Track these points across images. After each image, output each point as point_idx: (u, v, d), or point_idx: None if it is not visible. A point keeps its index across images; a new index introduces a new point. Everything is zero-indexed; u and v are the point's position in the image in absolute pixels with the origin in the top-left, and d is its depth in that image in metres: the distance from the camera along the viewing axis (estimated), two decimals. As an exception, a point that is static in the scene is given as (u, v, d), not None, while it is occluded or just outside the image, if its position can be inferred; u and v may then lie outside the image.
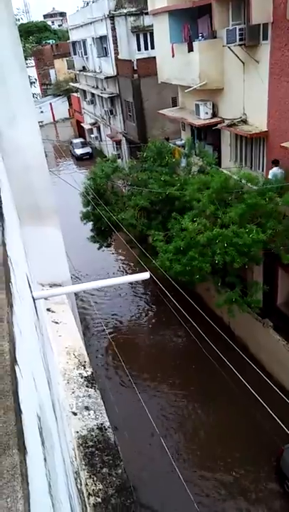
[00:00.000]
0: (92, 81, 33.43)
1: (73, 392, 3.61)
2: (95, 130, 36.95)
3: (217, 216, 11.21)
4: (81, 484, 2.54)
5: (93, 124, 36.98)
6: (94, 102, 34.79)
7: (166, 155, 14.59)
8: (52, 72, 55.95)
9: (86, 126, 39.01)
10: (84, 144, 38.45)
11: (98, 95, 31.47)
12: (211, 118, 15.37)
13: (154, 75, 18.88)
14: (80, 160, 36.79)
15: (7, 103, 4.41)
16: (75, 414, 3.32)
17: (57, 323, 4.78)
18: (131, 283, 18.20)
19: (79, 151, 37.35)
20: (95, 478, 2.59)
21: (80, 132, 43.40)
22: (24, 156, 4.65)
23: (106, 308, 17.09)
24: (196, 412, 12.43)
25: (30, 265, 4.65)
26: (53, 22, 73.98)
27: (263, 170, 13.33)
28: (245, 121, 13.72)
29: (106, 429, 3.10)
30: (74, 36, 35.14)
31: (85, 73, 33.93)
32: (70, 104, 50.23)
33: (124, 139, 28.02)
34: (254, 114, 13.22)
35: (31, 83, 42.58)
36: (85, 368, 4.03)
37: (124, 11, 23.28)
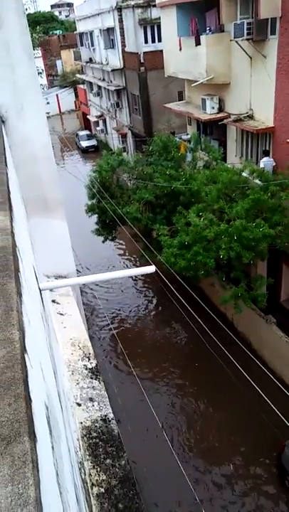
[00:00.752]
0: (98, 73, 33.25)
1: (78, 384, 3.63)
2: (100, 123, 36.80)
3: (223, 211, 11.17)
4: (85, 474, 2.56)
5: (99, 117, 36.83)
6: (100, 95, 34.62)
7: (172, 149, 14.52)
8: (59, 63, 55.65)
9: (92, 118, 38.86)
10: (90, 137, 38.32)
11: (105, 88, 31.31)
12: (217, 113, 15.26)
13: (161, 68, 18.74)
14: (85, 152, 36.70)
15: (15, 93, 4.38)
16: (79, 405, 3.34)
17: (62, 314, 4.80)
18: (135, 277, 18.23)
19: (85, 144, 37.24)
20: (98, 469, 2.61)
21: (86, 124, 43.24)
22: (32, 147, 4.63)
23: (110, 301, 17.13)
24: (197, 406, 12.48)
25: (37, 257, 4.66)
26: (60, 12, 73.40)
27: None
28: (251, 117, 13.61)
29: (110, 421, 3.12)
30: (81, 27, 34.90)
31: (91, 65, 33.74)
32: (77, 96, 50.00)
33: (130, 132, 27.90)
34: (261, 109, 13.11)
35: (38, 74, 42.36)
36: (89, 359, 4.05)
37: (132, 2, 23.04)
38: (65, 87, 52.39)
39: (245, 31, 11.88)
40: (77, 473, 2.48)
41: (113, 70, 27.56)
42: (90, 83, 36.94)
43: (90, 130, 40.75)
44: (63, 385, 3.40)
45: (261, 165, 12.57)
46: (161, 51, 18.59)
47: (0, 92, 4.24)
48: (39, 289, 3.19)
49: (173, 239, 11.50)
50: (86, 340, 4.35)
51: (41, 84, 44.43)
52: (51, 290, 5.07)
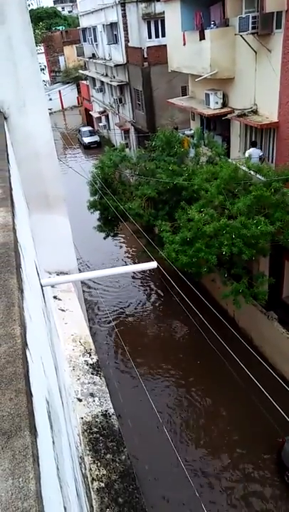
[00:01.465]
0: (101, 68, 33.11)
1: (79, 379, 3.66)
2: (103, 118, 36.70)
3: (225, 207, 11.15)
4: (85, 469, 2.59)
5: (102, 113, 36.72)
6: (103, 90, 34.50)
7: (175, 145, 14.47)
8: (61, 59, 55.44)
9: (94, 114, 38.75)
10: (92, 133, 38.24)
11: (107, 83, 31.19)
12: (221, 108, 15.18)
13: (165, 63, 18.64)
14: (87, 148, 36.64)
15: (17, 89, 4.38)
16: (80, 400, 3.36)
17: (63, 310, 4.82)
18: (137, 273, 18.25)
19: (87, 140, 37.16)
20: (98, 464, 2.63)
21: (89, 120, 43.13)
22: (34, 143, 4.63)
23: (112, 297, 17.16)
24: (198, 401, 12.53)
25: (39, 253, 4.67)
26: (63, 8, 72.96)
27: (272, 161, 13.19)
28: (255, 112, 13.54)
29: (110, 416, 3.14)
30: (84, 23, 34.72)
31: (94, 60, 33.59)
32: (79, 92, 49.85)
33: (132, 127, 27.81)
34: (265, 104, 13.04)
35: (41, 70, 42.21)
36: (90, 355, 4.07)
37: (136, -3, 22.91)
38: (68, 83, 52.23)
39: (251, 25, 11.79)
40: (77, 468, 2.50)
41: (116, 66, 27.44)
42: (93, 79, 36.80)
43: (93, 126, 40.65)
44: (64, 381, 3.42)
45: (246, 155, 12.90)
46: (165, 46, 18.48)
47: (2, 89, 4.24)
48: (40, 285, 3.21)
49: (175, 235, 11.49)
50: (87, 336, 4.37)
51: (44, 81, 44.35)
52: (53, 286, 5.09)
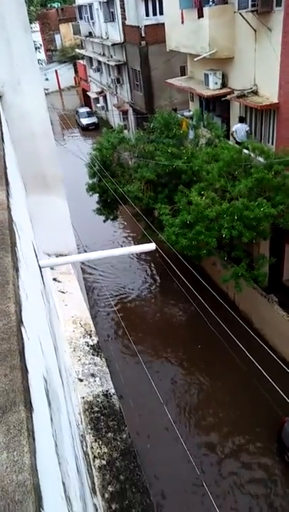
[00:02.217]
0: (98, 48, 32.40)
1: (79, 360, 3.67)
2: (101, 99, 36.09)
3: (225, 190, 11.05)
4: (87, 447, 2.61)
5: (99, 93, 36.10)
6: (100, 70, 33.84)
7: (174, 126, 14.25)
8: (57, 37, 54.16)
9: (92, 95, 38.09)
10: (90, 114, 37.67)
11: (105, 63, 30.56)
12: (221, 88, 14.89)
13: (163, 42, 18.21)
14: (85, 130, 36.15)
15: (11, 67, 4.27)
16: (81, 380, 3.38)
17: (63, 292, 4.81)
18: (137, 257, 18.24)
19: (85, 121, 36.64)
20: (100, 442, 2.66)
21: (86, 101, 42.43)
22: (29, 122, 4.54)
23: (112, 280, 17.20)
24: (199, 383, 12.68)
25: (37, 235, 4.64)
26: (58, -15, 70.94)
27: (273, 143, 13.01)
28: (255, 93, 13.28)
29: (111, 396, 3.16)
30: (80, 0, 33.81)
31: (91, 39, 32.84)
32: (76, 72, 48.90)
33: (130, 109, 27.38)
34: (265, 84, 12.78)
35: (36, 48, 41.31)
36: (91, 336, 4.08)
37: (133, -28, 22.22)
38: (64, 62, 51.14)
39: (250, 2, 11.47)
40: (78, 446, 2.52)
41: (113, 45, 26.83)
42: (90, 58, 36.06)
43: (90, 107, 40.02)
44: (65, 361, 3.43)
45: (233, 129, 13.13)
46: (163, 24, 18.03)
47: (-4, 66, 4.14)
48: (39, 266, 3.19)
49: (175, 218, 11.43)
50: (87, 317, 4.38)
51: (39, 60, 43.40)
52: (52, 268, 5.08)
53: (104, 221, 16.31)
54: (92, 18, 31.60)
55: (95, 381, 3.37)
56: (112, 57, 28.87)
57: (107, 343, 13.97)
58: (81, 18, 34.47)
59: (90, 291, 16.26)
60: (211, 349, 12.64)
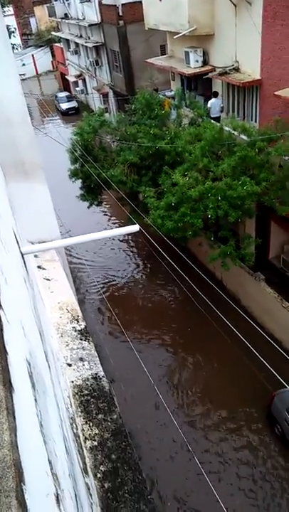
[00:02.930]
0: (75, 29, 31.54)
1: (67, 345, 3.68)
2: (80, 83, 35.33)
3: (209, 169, 11.02)
4: (77, 429, 2.64)
5: (78, 76, 35.32)
6: (78, 53, 33.04)
7: (156, 107, 14.07)
8: (32, 20, 52.51)
9: (71, 78, 37.26)
10: (69, 98, 36.90)
11: (82, 45, 29.82)
12: (202, 66, 14.72)
13: (141, 21, 17.82)
14: (66, 115, 35.46)
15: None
16: (69, 365, 3.40)
17: (48, 280, 4.79)
18: (124, 240, 18.21)
19: (64, 106, 35.90)
20: (91, 424, 2.69)
21: (65, 85, 41.51)
22: (4, 109, 4.43)
23: (99, 266, 17.17)
24: (189, 362, 12.88)
25: (19, 223, 4.58)
26: None
27: (256, 121, 12.98)
28: (237, 69, 13.17)
29: (100, 378, 3.19)
30: (54, -21, 32.73)
31: (67, 21, 31.93)
32: (54, 56, 47.64)
33: (111, 91, 26.91)
34: (247, 61, 12.67)
35: (11, 33, 40.03)
36: (78, 321, 4.09)
37: None
38: (41, 46, 49.69)
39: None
40: (68, 428, 2.55)
41: (90, 26, 26.15)
42: (67, 41, 35.12)
43: (70, 91, 39.20)
44: (52, 347, 3.44)
45: (208, 105, 13.40)
46: (141, 2, 17.58)
47: None
48: (21, 253, 3.15)
49: (159, 201, 11.39)
50: (74, 303, 4.37)
51: (15, 45, 42.10)
52: (36, 256, 5.04)
53: (89, 207, 16.17)
54: (67, -2, 30.70)
55: (83, 365, 3.39)
56: (89, 38, 28.17)
57: (96, 328, 14.03)
58: (56, -2, 33.47)
59: (77, 279, 16.22)
60: (200, 329, 12.81)
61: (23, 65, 45.47)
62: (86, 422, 2.70)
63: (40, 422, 1.30)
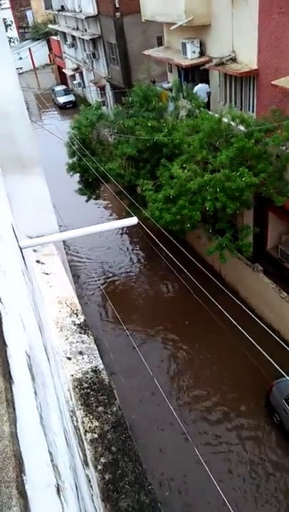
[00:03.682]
0: (72, 22, 31.21)
1: (67, 339, 3.69)
2: (77, 76, 35.05)
3: (207, 161, 10.97)
4: (77, 422, 2.66)
5: (75, 70, 35.02)
6: (75, 46, 32.72)
7: (153, 99, 13.97)
8: (29, 13, 52.01)
9: (68, 72, 36.95)
10: (67, 92, 36.64)
11: (79, 37, 29.52)
12: (199, 57, 14.59)
13: (138, 12, 17.62)
14: (63, 109, 35.23)
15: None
16: (69, 359, 3.41)
17: (47, 274, 4.78)
18: (122, 233, 18.19)
19: (62, 99, 35.65)
20: (91, 417, 2.70)
21: (62, 79, 41.19)
22: (1, 103, 4.40)
23: (98, 260, 17.17)
24: (188, 354, 12.94)
25: (17, 217, 4.56)
26: None
27: (253, 111, 12.90)
28: (234, 60, 13.05)
29: (100, 371, 3.20)
30: None
31: (64, 13, 31.59)
32: (50, 49, 47.20)
33: (108, 84, 26.70)
34: (243, 51, 12.55)
35: (7, 26, 39.63)
36: (77, 315, 4.09)
37: None
38: (38, 39, 49.25)
39: None
40: (68, 421, 2.56)
41: (87, 18, 25.88)
42: (64, 34, 34.78)
43: (67, 85, 38.90)
44: (51, 341, 3.45)
45: (194, 90, 13.36)
46: (137, -7, 17.42)
47: None
48: (19, 247, 3.15)
49: (157, 193, 11.35)
50: (73, 297, 4.37)
51: (11, 38, 41.68)
52: (35, 251, 5.03)
53: (87, 201, 16.12)
54: (62, -10, 30.34)
55: (83, 358, 3.40)
56: (86, 31, 27.89)
57: (96, 322, 14.06)
58: (51, -10, 33.08)
59: (76, 275, 16.23)
60: (200, 321, 12.85)
61: (20, 58, 45.13)
62: (86, 415, 2.71)
63: (40, 413, 1.31)
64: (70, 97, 35.73)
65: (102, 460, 2.32)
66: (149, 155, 13.28)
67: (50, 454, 1.24)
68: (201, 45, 14.56)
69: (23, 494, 0.77)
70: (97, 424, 2.64)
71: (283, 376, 6.80)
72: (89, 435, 2.54)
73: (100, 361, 3.31)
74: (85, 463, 2.30)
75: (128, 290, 15.92)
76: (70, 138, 14.45)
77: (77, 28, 29.96)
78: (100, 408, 2.79)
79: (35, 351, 1.75)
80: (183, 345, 13.24)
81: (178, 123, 12.87)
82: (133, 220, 3.59)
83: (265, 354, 6.70)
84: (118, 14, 21.83)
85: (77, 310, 4.22)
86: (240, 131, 11.01)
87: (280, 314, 12.28)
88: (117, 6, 21.67)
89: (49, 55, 48.98)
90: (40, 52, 48.96)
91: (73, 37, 31.97)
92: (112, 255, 17.49)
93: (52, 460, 1.22)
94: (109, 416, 2.71)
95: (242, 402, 11.27)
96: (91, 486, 2.15)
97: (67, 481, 1.50)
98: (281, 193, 10.65)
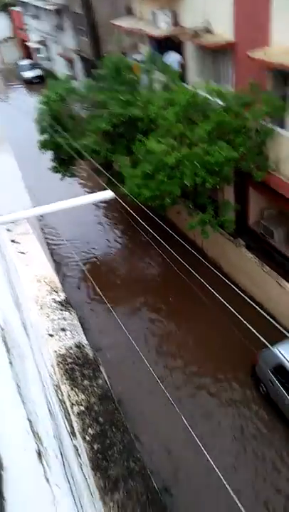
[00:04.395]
0: (34, -9, 29.74)
1: (48, 316, 3.63)
2: (43, 49, 33.65)
3: (184, 135, 10.80)
4: (62, 395, 2.64)
5: (40, 42, 33.58)
6: (38, 17, 31.26)
7: (125, 71, 13.55)
8: (-13, -17, 48.98)
9: (32, 44, 35.38)
10: (33, 66, 35.14)
11: (43, 8, 28.19)
12: (172, 28, 14.14)
13: (105, -22, 16.89)
14: (30, 84, 33.88)
15: None
16: (51, 335, 3.37)
17: (23, 253, 4.68)
18: (101, 208, 17.98)
19: (28, 74, 34.21)
20: (76, 390, 2.69)
21: (27, 53, 39.48)
22: None
23: (77, 240, 16.96)
24: (175, 328, 13.09)
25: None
26: None
27: (231, 85, 12.63)
28: (209, 31, 12.64)
29: (84, 346, 3.17)
30: None
31: (25, -18, 30.04)
32: (13, 21, 44.95)
33: (77, 56, 25.78)
34: (218, 21, 12.14)
35: None
36: (57, 293, 4.03)
37: None
38: (-2, 11, 46.71)
39: None
40: (52, 394, 2.53)
41: (51, -14, 24.70)
42: (25, 3, 33.11)
43: (32, 58, 37.34)
44: (31, 319, 3.39)
45: (164, 58, 13.59)
46: None
47: None
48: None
49: (135, 169, 11.16)
50: (52, 275, 4.29)
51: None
52: (9, 230, 4.89)
53: (62, 179, 15.75)
54: None
55: (66, 335, 3.36)
56: (49, 0, 26.63)
57: (78, 301, 14.00)
58: None
59: (55, 254, 16.01)
60: (184, 296, 12.94)
61: (-20, 32, 42.91)
62: (72, 389, 2.70)
63: (17, 383, 1.26)
64: (37, 72, 34.35)
65: (90, 431, 2.32)
66: (124, 130, 12.98)
67: (30, 421, 1.20)
68: (174, 14, 14.08)
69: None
70: (83, 397, 2.63)
71: (268, 347, 6.93)
72: (76, 408, 2.53)
73: (84, 337, 3.28)
74: (72, 434, 2.28)
75: (110, 267, 15.85)
76: (39, 114, 13.94)
77: (41, -2, 28.61)
78: (86, 382, 2.77)
79: (10, 325, 1.69)
80: (167, 319, 13.37)
81: (153, 97, 12.57)
82: (108, 193, 3.51)
83: (250, 327, 6.79)
84: (84, -18, 20.90)
85: (56, 288, 4.15)
86: (219, 106, 10.83)
87: (262, 287, 12.48)
88: (83, -27, 20.72)
89: (13, 28, 46.70)
90: (1, 24, 46.52)
91: (36, 7, 30.51)
92: (92, 233, 17.31)
93: (31, 427, 1.18)
94: (95, 389, 2.70)
95: (227, 373, 11.50)
96: (79, 456, 2.14)
97: (51, 448, 1.47)
98: (260, 168, 10.62)
